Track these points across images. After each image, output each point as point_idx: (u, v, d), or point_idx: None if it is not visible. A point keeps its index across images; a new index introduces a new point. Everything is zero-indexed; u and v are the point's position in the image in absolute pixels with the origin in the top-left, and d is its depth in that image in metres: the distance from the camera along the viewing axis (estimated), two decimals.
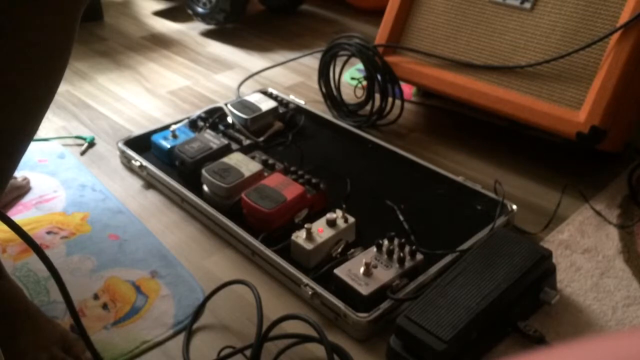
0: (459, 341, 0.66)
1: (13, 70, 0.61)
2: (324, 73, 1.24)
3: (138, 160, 1.05)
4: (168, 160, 1.06)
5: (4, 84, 0.61)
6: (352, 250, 0.85)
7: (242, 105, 1.15)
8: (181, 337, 0.76)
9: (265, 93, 1.26)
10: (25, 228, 0.58)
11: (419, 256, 0.81)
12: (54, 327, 0.73)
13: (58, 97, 1.32)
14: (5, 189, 0.72)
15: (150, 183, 1.05)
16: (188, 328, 0.76)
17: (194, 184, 0.98)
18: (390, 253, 0.80)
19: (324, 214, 0.87)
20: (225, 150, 1.04)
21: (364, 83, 1.20)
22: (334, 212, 0.87)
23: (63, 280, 0.59)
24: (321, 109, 1.25)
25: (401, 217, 0.93)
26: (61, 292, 0.58)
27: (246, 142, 1.10)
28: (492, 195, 0.95)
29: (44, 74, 0.64)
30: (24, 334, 0.70)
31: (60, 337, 0.72)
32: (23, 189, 1.01)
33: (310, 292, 0.78)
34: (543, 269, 0.76)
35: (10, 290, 0.74)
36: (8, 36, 0.58)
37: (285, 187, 0.91)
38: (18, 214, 0.97)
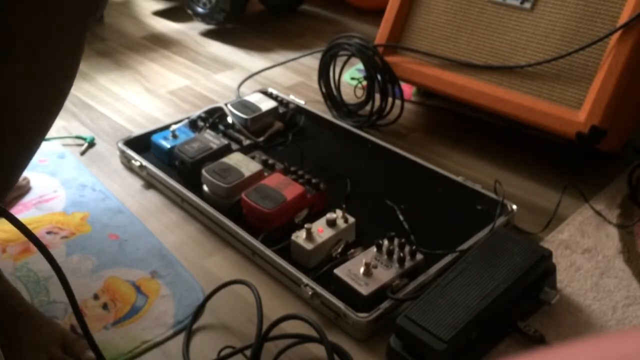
0: (459, 341, 0.66)
1: (18, 89, 0.61)
2: (324, 73, 1.24)
3: (138, 160, 1.05)
4: (168, 160, 1.06)
5: (11, 103, 0.61)
6: (352, 250, 0.85)
7: (242, 105, 1.15)
8: (181, 337, 0.76)
9: (265, 93, 1.26)
10: None
11: (419, 256, 0.81)
12: (53, 327, 0.73)
13: None
14: (7, 196, 0.72)
15: (150, 183, 1.05)
16: (188, 328, 0.76)
17: (194, 184, 0.98)
18: (390, 253, 0.80)
19: (324, 214, 0.87)
20: (225, 150, 1.04)
21: (364, 83, 1.20)
22: (334, 212, 0.87)
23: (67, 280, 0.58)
24: (321, 109, 1.25)
25: (401, 217, 0.93)
26: (66, 292, 0.58)
27: (246, 142, 1.10)
28: (492, 195, 0.95)
29: (50, 93, 0.64)
30: (23, 335, 0.70)
31: (60, 337, 0.72)
32: (23, 189, 1.01)
33: (310, 292, 0.78)
34: (543, 269, 0.76)
35: (7, 292, 0.74)
36: (15, 53, 0.58)
37: (285, 187, 0.91)
38: (18, 214, 0.97)
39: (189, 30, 1.74)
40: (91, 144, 1.17)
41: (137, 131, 1.16)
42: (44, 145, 1.15)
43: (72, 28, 0.62)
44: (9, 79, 0.59)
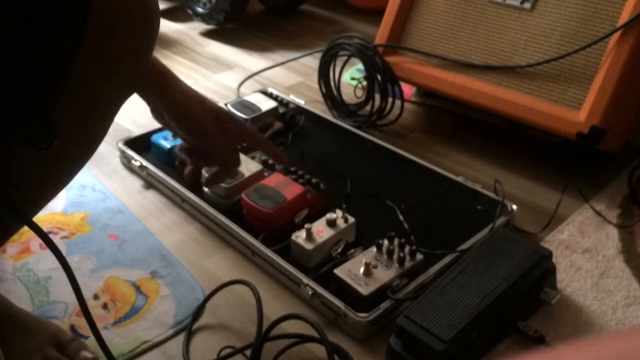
0: (459, 341, 0.66)
1: (55, 168, 0.61)
2: (324, 73, 1.24)
3: (138, 160, 1.05)
4: (168, 160, 1.06)
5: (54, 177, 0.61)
6: (352, 250, 0.85)
7: (242, 105, 1.15)
8: (181, 337, 0.76)
9: (265, 93, 1.26)
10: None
11: (419, 256, 0.81)
12: (45, 327, 0.72)
13: None
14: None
15: (150, 183, 1.05)
16: (188, 328, 0.76)
17: (194, 184, 0.98)
18: (390, 253, 0.80)
19: (324, 214, 0.87)
20: None
21: (364, 83, 1.20)
22: (334, 212, 0.87)
23: (74, 279, 0.58)
24: (321, 109, 1.24)
25: (401, 217, 0.93)
26: (76, 295, 0.58)
27: None
28: (492, 195, 0.95)
29: (73, 169, 0.64)
30: (13, 339, 0.69)
31: (53, 337, 0.71)
32: None
33: (310, 292, 0.78)
34: (543, 269, 0.76)
35: None
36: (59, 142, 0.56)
37: (285, 187, 0.91)
38: None
39: (189, 30, 1.74)
40: None
41: (137, 131, 1.16)
42: None
43: (109, 118, 0.61)
44: (50, 161, 0.59)
